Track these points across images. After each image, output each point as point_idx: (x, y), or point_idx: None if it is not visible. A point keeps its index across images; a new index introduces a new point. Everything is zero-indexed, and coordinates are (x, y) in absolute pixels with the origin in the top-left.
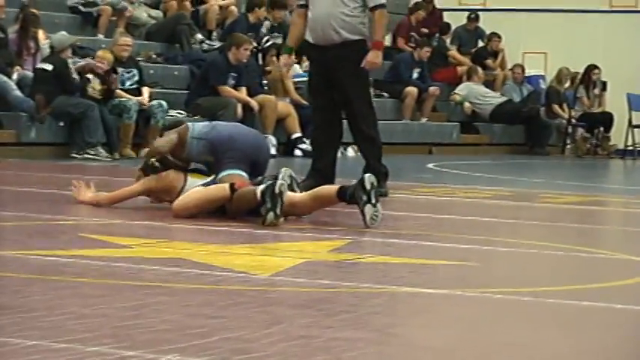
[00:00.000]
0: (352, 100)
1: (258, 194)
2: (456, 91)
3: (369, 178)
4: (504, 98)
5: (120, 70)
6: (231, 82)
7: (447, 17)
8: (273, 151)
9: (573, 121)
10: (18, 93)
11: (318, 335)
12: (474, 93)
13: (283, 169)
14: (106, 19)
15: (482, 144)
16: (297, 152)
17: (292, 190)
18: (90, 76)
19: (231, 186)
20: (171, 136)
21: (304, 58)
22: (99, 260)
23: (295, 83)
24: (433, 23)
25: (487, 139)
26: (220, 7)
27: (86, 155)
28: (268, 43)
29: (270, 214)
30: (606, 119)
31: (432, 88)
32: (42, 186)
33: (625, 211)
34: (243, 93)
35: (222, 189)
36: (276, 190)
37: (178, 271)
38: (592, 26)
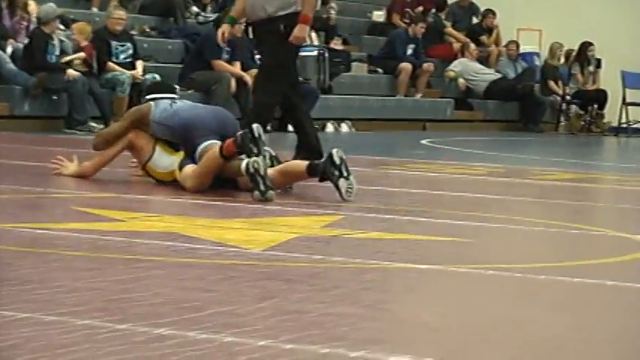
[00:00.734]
0: (262, 68)
1: (243, 171)
2: (450, 68)
3: (337, 153)
4: (499, 75)
5: (114, 43)
6: (225, 56)
7: None
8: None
9: (567, 98)
10: (12, 66)
11: (310, 310)
12: (468, 69)
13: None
14: None
15: (476, 120)
16: (290, 127)
17: (272, 166)
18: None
19: (220, 150)
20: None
21: None
22: (91, 234)
23: None
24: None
25: (481, 115)
26: None
27: (77, 132)
28: None
29: (256, 193)
30: (600, 96)
31: (425, 65)
32: (35, 159)
33: (619, 189)
34: (237, 67)
35: (213, 156)
36: (251, 170)
37: (171, 245)
38: (587, 3)
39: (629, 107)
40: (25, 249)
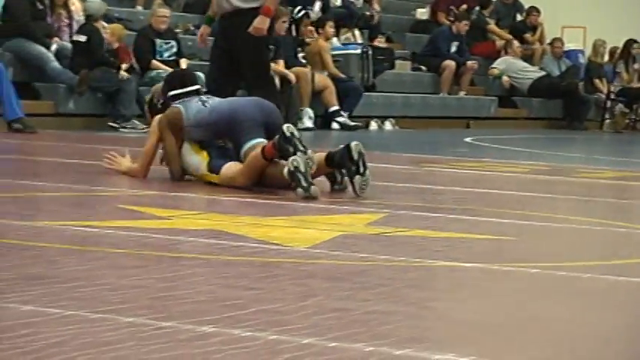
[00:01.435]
0: (247, 69)
1: (285, 174)
2: (494, 65)
3: (355, 147)
4: (543, 72)
5: (158, 41)
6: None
7: None
8: (310, 124)
9: (612, 95)
10: (56, 64)
11: (353, 308)
12: (512, 67)
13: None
14: None
15: (520, 118)
16: (335, 125)
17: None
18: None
19: (262, 152)
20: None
21: (342, 30)
22: (136, 231)
23: (333, 56)
24: None
25: (525, 113)
26: None
27: (122, 129)
28: (300, 14)
29: (299, 190)
30: None
31: (469, 62)
32: (79, 157)
33: None
34: (280, 66)
35: (256, 158)
36: (291, 169)
37: (214, 243)
38: (631, 0)
39: None
40: (70, 246)
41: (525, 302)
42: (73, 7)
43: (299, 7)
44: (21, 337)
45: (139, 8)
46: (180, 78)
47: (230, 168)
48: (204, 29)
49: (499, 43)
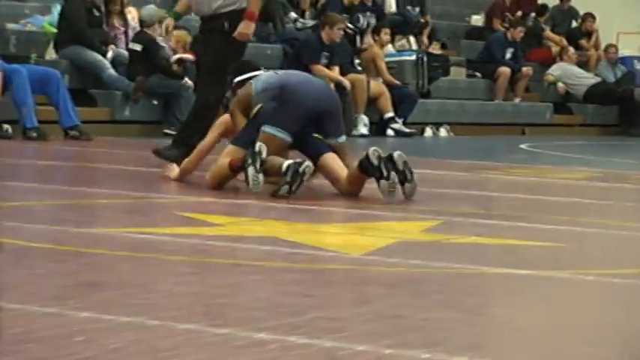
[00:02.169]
0: (205, 62)
1: (284, 167)
2: (549, 72)
3: (373, 153)
4: (598, 79)
5: None
6: (324, 60)
7: None
8: (365, 130)
9: None
10: (112, 72)
11: (409, 315)
12: (567, 73)
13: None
14: None
15: (576, 125)
16: (390, 132)
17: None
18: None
19: (230, 164)
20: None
21: (397, 37)
22: (191, 238)
23: (388, 63)
24: (527, 3)
25: (580, 119)
26: None
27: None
28: (365, 23)
29: (285, 187)
30: None
31: (524, 69)
32: (135, 164)
33: None
34: (335, 72)
35: (224, 168)
36: (300, 170)
37: (270, 250)
38: None
39: None
40: (126, 253)
41: (582, 310)
42: (129, 15)
43: (360, 17)
44: (78, 343)
45: (194, 15)
46: (246, 65)
47: (217, 163)
48: (170, 22)
49: (555, 49)
